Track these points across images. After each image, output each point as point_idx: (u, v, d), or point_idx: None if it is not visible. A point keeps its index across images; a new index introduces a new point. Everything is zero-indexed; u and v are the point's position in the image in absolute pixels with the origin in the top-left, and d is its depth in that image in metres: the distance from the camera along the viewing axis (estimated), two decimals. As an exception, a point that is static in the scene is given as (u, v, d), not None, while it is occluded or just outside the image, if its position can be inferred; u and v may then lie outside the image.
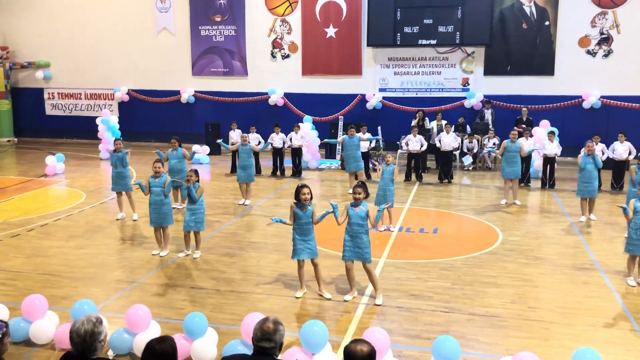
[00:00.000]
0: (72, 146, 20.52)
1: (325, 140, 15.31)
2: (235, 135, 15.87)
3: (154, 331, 5.88)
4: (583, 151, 10.76)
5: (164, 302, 7.16)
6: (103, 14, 21.00)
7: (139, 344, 5.59)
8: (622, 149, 12.97)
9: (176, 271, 8.28)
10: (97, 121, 18.01)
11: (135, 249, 9.31)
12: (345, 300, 7.17)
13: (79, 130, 21.68)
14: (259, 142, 15.04)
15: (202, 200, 8.79)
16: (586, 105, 17.43)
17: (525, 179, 13.81)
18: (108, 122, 17.84)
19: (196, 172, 8.79)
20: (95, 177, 15.31)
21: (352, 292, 7.28)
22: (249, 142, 12.40)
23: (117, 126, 18.06)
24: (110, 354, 5.78)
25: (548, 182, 13.77)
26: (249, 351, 5.08)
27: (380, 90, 19.05)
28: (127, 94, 21.21)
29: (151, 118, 20.92)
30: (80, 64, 21.55)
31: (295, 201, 7.15)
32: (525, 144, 12.90)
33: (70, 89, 21.99)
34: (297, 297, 7.27)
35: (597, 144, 12.50)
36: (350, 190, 13.11)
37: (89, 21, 21.17)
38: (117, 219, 10.97)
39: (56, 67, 21.97)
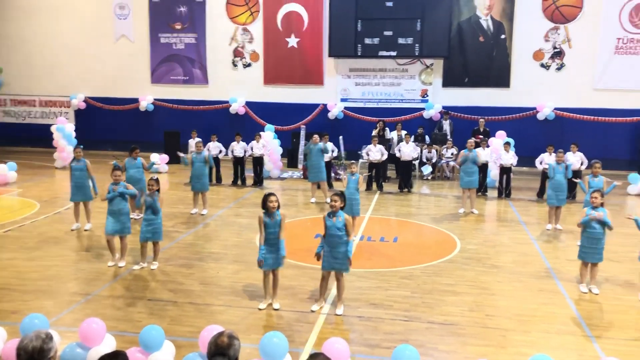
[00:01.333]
0: (25, 154, 19.85)
1: (302, 161, 14.73)
2: (194, 143, 15.68)
3: (108, 345, 5.71)
4: (551, 160, 11.12)
5: (120, 314, 6.98)
6: (59, 19, 20.51)
7: (93, 359, 5.42)
8: (574, 159, 13.37)
9: (133, 283, 8.09)
10: (52, 129, 17.53)
11: (91, 260, 9.05)
12: (312, 311, 7.10)
13: (32, 138, 21.03)
14: (220, 151, 14.91)
15: (159, 210, 8.65)
16: (540, 116, 17.96)
17: (482, 188, 14.10)
18: (64, 130, 17.38)
19: (157, 180, 8.65)
20: (50, 186, 14.86)
21: (319, 303, 7.22)
22: (203, 150, 12.28)
23: (74, 134, 17.62)
24: (63, 369, 5.58)
25: (504, 191, 14.09)
26: (207, 364, 5.00)
27: (342, 100, 19.20)
28: (84, 101, 20.74)
29: (109, 126, 20.48)
30: (35, 70, 20.96)
31: (263, 211, 7.09)
32: (482, 154, 13.18)
33: (24, 95, 21.35)
34: (259, 309, 7.18)
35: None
36: (312, 200, 13.28)
37: (44, 26, 20.64)
38: (72, 230, 10.66)
39: (9, 73, 21.28)
